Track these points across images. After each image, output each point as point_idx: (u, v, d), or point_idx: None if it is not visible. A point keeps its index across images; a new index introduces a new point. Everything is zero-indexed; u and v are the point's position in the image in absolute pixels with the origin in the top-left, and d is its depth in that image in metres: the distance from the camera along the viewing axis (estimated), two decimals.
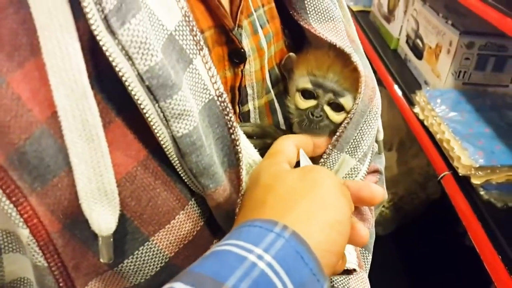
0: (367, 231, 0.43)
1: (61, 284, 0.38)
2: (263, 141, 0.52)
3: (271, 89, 0.55)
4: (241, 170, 0.42)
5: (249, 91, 0.52)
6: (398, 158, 1.77)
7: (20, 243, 0.38)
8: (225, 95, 0.40)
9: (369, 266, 0.67)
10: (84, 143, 0.34)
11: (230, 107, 0.41)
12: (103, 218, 0.36)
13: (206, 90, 0.39)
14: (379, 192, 0.44)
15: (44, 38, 0.32)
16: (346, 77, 0.52)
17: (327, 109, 0.53)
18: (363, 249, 0.66)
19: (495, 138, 1.07)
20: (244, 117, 0.53)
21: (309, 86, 0.53)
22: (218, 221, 0.44)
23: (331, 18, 0.54)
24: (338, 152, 0.51)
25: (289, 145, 0.48)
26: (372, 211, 0.66)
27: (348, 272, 0.53)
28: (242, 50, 0.49)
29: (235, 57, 0.49)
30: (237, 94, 0.51)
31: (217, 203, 0.42)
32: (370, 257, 0.66)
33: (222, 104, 0.40)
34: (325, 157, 0.51)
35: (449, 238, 1.53)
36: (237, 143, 0.41)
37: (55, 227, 0.36)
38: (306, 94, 0.53)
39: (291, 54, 0.56)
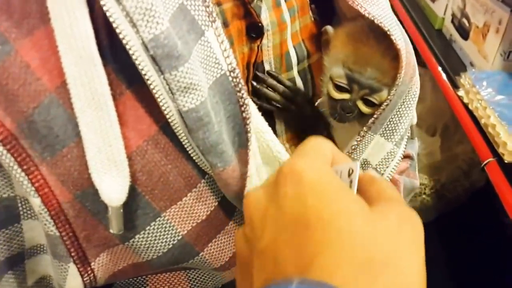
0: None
1: (72, 254, 0.39)
2: (287, 103, 0.50)
3: (293, 66, 0.53)
4: (249, 151, 0.40)
5: (267, 67, 0.50)
6: (441, 143, 1.70)
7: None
8: (237, 71, 0.39)
9: None
10: (93, 112, 0.33)
11: (243, 83, 0.39)
12: (113, 189, 0.35)
13: (218, 65, 0.38)
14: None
15: (52, 3, 0.31)
16: (385, 71, 0.48)
17: (359, 103, 0.51)
18: None
19: None
20: (259, 95, 0.52)
21: (343, 81, 0.50)
22: (230, 200, 0.43)
23: None
24: (372, 134, 0.49)
25: (328, 151, 0.37)
26: (400, 192, 0.64)
27: None
28: (260, 24, 0.47)
29: (252, 31, 0.47)
30: (252, 71, 0.49)
31: (226, 183, 0.40)
32: None
33: (235, 80, 0.38)
34: (358, 139, 0.49)
35: (493, 229, 1.46)
36: (248, 121, 0.39)
37: (66, 197, 0.36)
38: (339, 87, 0.51)
39: (328, 27, 0.53)
